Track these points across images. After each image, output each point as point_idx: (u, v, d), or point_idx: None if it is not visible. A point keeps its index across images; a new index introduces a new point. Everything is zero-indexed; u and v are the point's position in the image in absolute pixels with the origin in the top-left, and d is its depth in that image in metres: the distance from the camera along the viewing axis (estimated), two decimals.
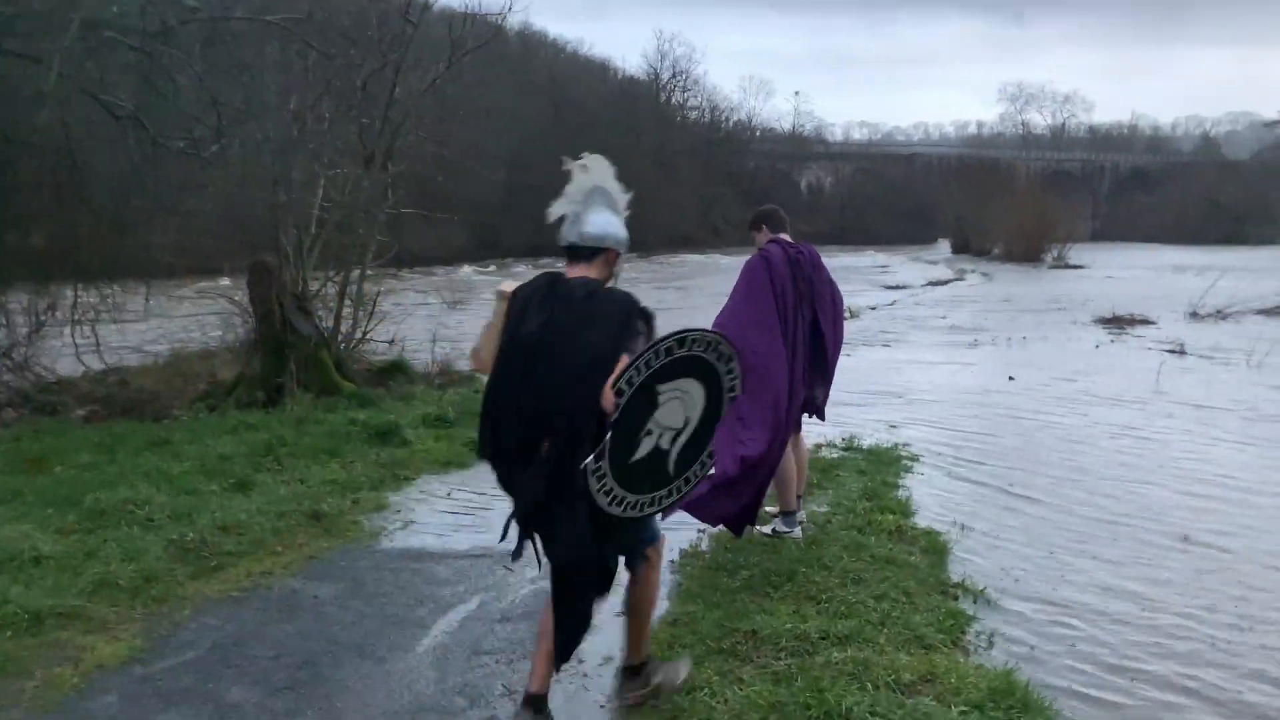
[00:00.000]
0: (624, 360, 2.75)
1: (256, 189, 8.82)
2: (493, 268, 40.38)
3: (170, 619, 4.18)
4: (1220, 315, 17.87)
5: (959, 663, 3.64)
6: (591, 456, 2.77)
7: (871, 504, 5.72)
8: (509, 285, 3.03)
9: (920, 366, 12.22)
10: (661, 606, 4.30)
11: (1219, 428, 8.50)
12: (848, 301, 5.76)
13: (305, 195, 9.37)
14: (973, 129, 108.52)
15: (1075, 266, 38.20)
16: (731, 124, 72.30)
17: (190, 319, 12.92)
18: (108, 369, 10.09)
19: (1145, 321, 17.21)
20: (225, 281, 10.99)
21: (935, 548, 5.08)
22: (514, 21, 60.12)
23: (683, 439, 2.98)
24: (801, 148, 75.12)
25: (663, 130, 63.59)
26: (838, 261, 28.00)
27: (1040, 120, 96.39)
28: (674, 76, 68.95)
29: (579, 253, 3.01)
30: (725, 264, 41.51)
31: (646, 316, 2.92)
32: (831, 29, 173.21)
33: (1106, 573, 4.98)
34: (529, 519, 3.00)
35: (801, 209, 65.28)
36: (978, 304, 22.70)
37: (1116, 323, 17.06)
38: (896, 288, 28.99)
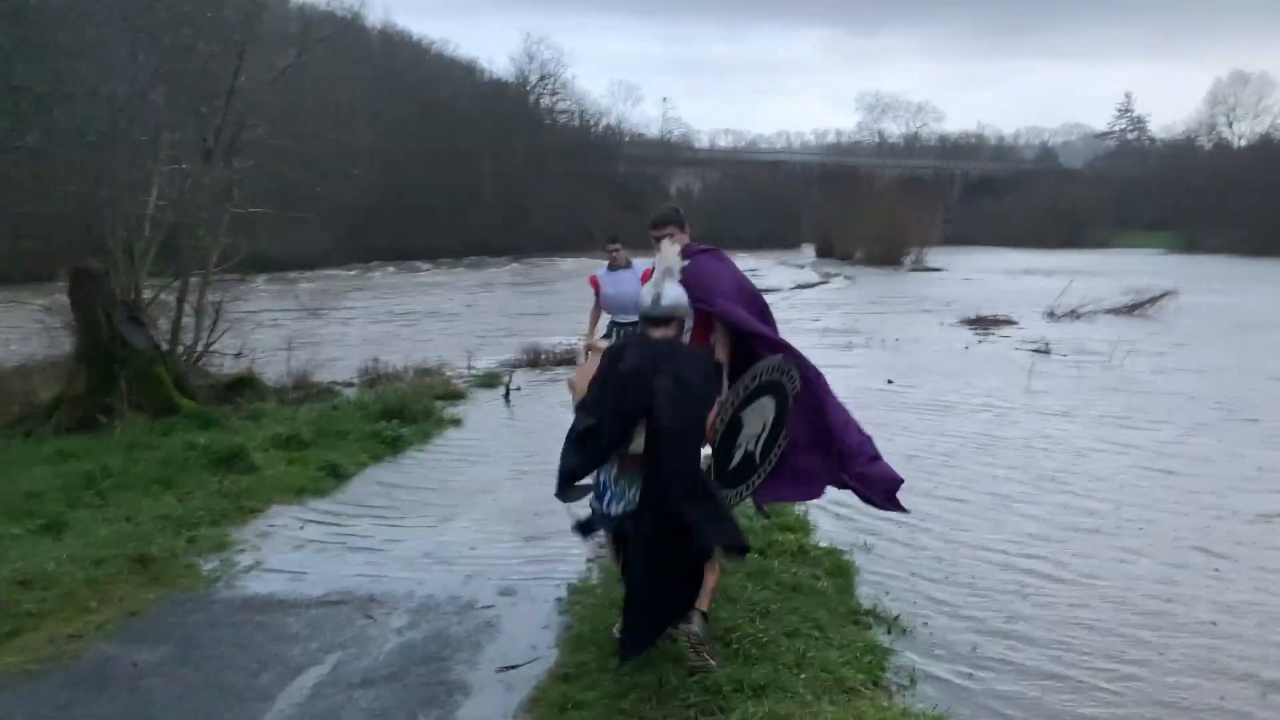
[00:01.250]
0: (715, 406, 3.60)
1: (77, 185, 7.80)
2: (356, 272, 38.78)
3: None
4: (1074, 315, 18.57)
5: (885, 709, 3.27)
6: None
7: (769, 521, 5.34)
8: (603, 343, 4.26)
9: None
10: (550, 657, 3.80)
11: (1093, 437, 8.58)
12: None
13: (136, 193, 8.39)
14: (832, 137, 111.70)
15: (933, 269, 39.49)
16: (601, 128, 71.96)
17: (9, 331, 11.56)
18: None
19: (1008, 322, 17.69)
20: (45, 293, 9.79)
21: (840, 569, 4.75)
22: (375, 20, 58.30)
23: (764, 437, 3.80)
24: (671, 153, 75.30)
25: (533, 133, 62.73)
26: None
27: (895, 129, 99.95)
28: (543, 79, 68.11)
29: (657, 321, 3.72)
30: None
31: (719, 365, 3.75)
32: (692, 36, 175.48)
33: (1010, 593, 4.75)
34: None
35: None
36: (847, 307, 23.00)
37: (981, 323, 17.48)
38: (766, 291, 29.08)
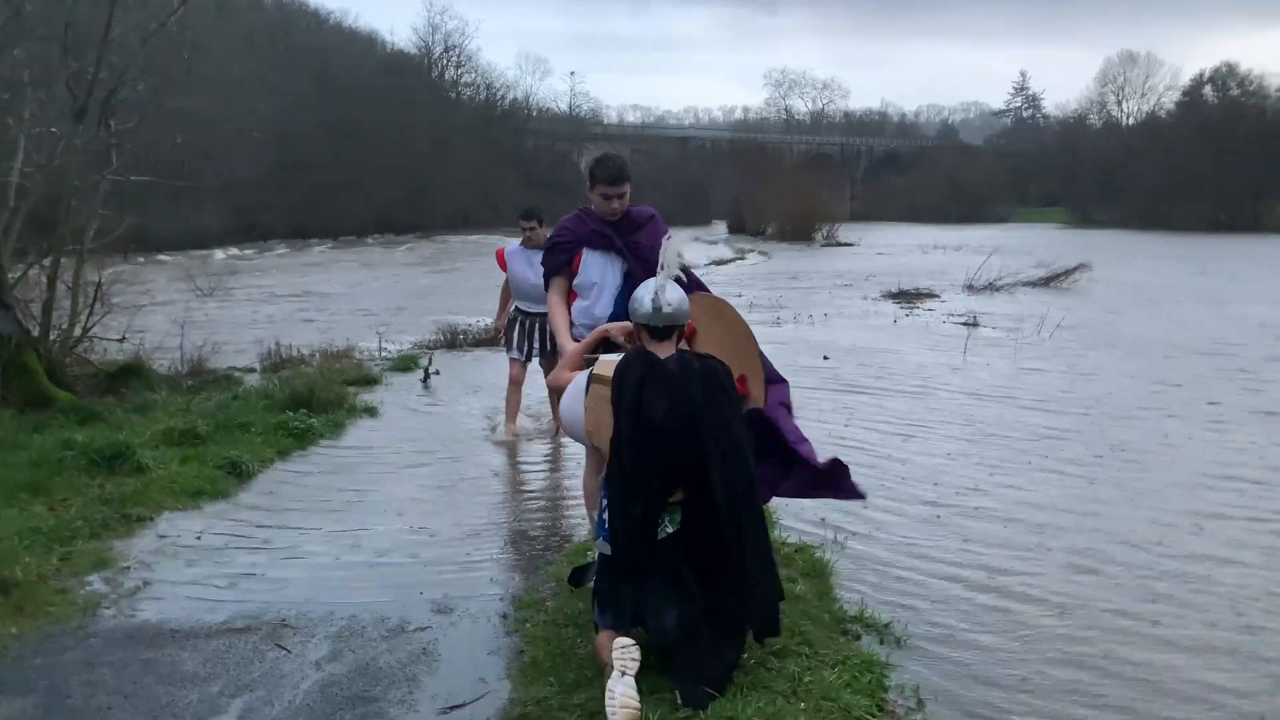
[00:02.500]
0: None
1: None
2: (252, 251, 37.03)
3: None
4: (993, 288, 18.67)
5: None
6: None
7: None
8: (605, 368, 3.24)
9: None
10: (501, 690, 3.24)
11: (1044, 419, 8.39)
12: None
13: None
14: (739, 114, 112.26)
15: (845, 244, 39.76)
16: (508, 102, 70.53)
17: None
18: None
19: (930, 295, 17.67)
20: None
21: (816, 569, 4.30)
22: None
23: None
24: (580, 129, 74.24)
25: (438, 107, 61.00)
26: None
27: (802, 106, 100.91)
28: (447, 51, 66.35)
29: (662, 332, 3.22)
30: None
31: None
32: (597, 13, 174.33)
33: (988, 588, 4.38)
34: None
35: (582, 190, 63.86)
36: (767, 282, 22.77)
37: (904, 297, 17.40)
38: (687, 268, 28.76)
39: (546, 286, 4.21)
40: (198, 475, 5.70)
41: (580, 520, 5.01)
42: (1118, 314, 15.34)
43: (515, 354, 7.05)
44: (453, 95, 65.91)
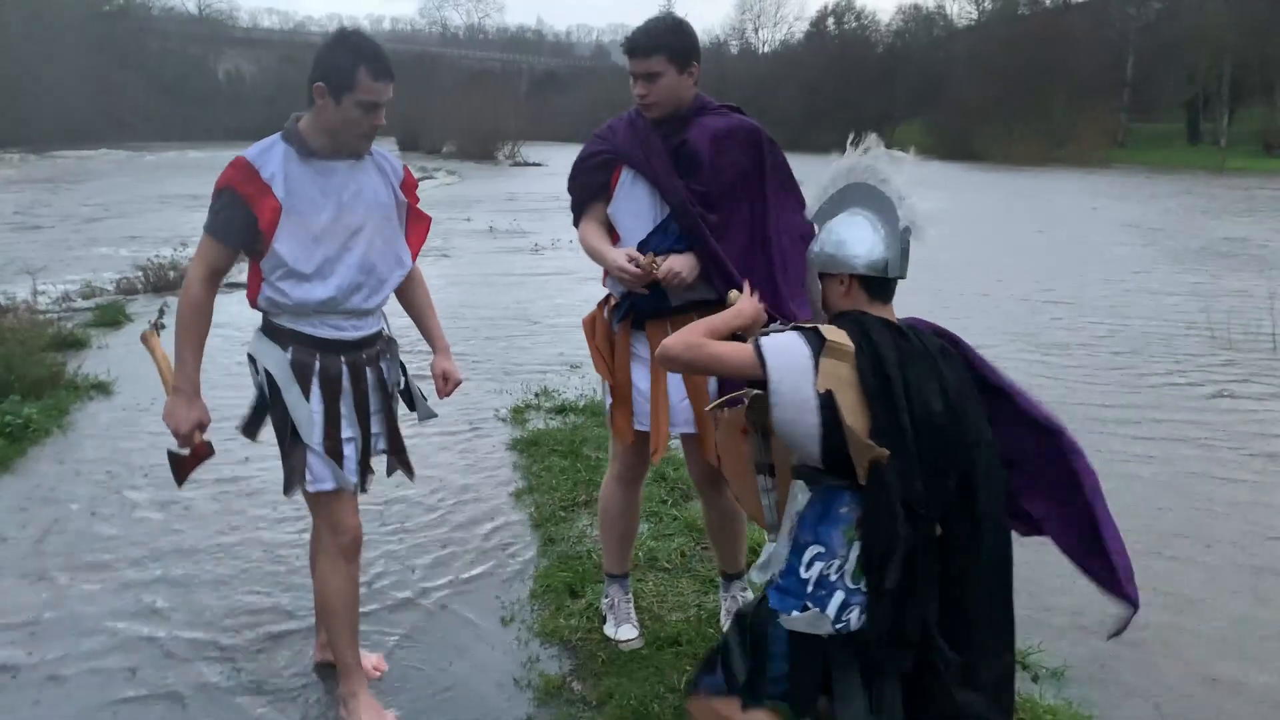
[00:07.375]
0: None
1: None
2: None
3: None
4: None
5: None
6: None
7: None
8: (838, 333, 1.83)
9: (523, 282, 10.43)
10: None
11: None
12: None
13: None
14: (388, 24, 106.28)
15: (535, 164, 38.74)
16: None
17: None
18: None
19: None
20: None
21: None
22: None
23: None
24: (214, 30, 65.97)
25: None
26: None
27: (457, 19, 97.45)
28: None
29: (891, 287, 1.96)
30: (147, 164, 34.39)
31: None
32: None
33: None
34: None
35: (223, 100, 57.25)
36: (486, 204, 21.21)
37: None
38: None
39: (576, 223, 2.82)
40: None
41: (501, 536, 3.76)
42: None
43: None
44: None
